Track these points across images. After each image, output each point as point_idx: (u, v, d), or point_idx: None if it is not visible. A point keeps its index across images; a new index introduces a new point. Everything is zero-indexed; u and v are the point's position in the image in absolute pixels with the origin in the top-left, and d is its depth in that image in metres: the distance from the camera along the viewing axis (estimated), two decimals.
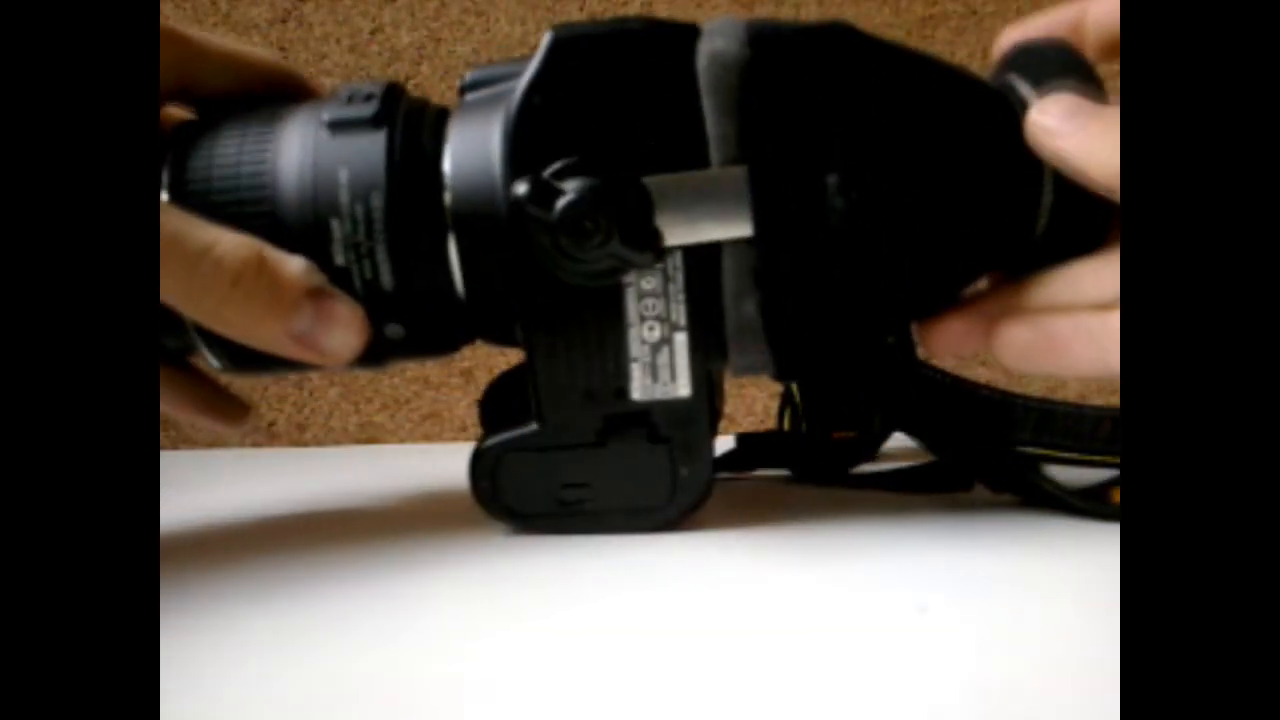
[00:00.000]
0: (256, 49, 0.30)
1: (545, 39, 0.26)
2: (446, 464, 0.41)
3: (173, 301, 0.24)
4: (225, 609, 0.23)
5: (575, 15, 0.56)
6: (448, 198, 0.27)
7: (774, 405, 0.37)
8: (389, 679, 0.18)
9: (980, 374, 0.52)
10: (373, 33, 0.55)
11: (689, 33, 0.26)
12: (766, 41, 0.25)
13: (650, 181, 0.25)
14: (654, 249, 0.25)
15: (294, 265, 0.25)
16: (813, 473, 0.36)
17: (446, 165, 0.27)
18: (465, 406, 0.55)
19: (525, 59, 0.26)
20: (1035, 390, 0.50)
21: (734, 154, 0.25)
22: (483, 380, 0.55)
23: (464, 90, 0.28)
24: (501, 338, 0.29)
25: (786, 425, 0.36)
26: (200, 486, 0.41)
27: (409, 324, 0.27)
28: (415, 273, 0.27)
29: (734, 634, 0.20)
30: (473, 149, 0.27)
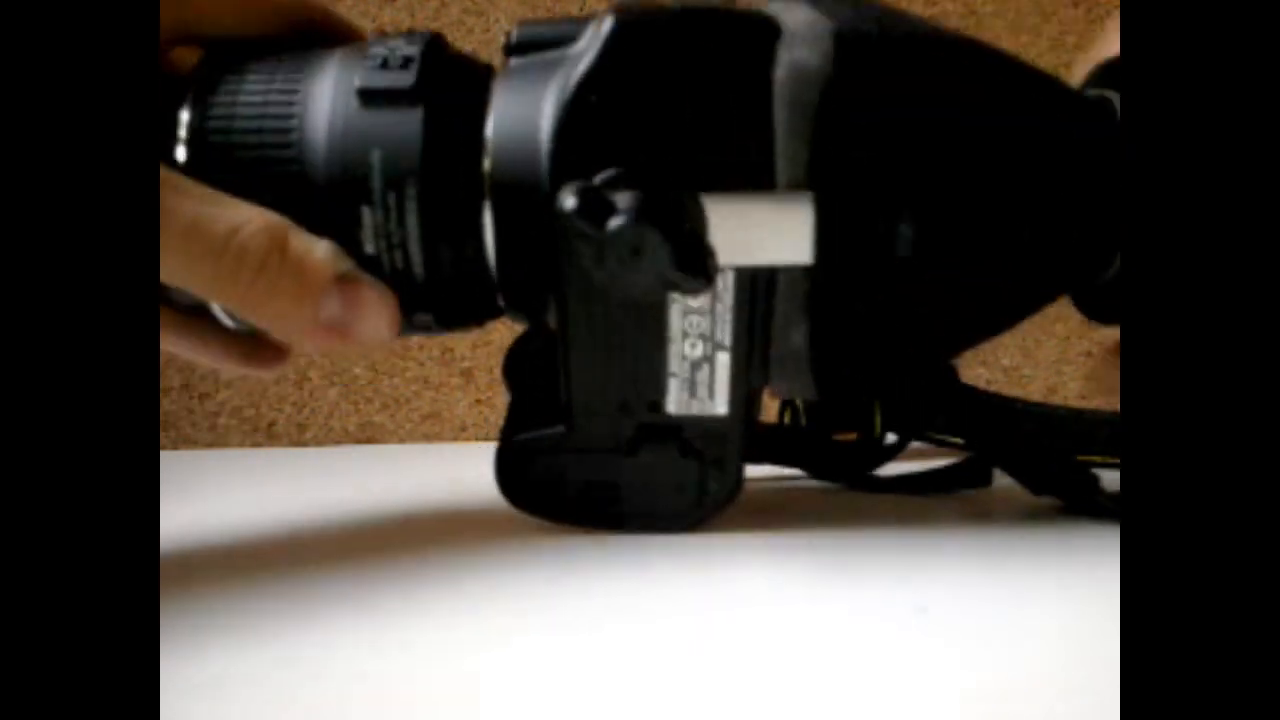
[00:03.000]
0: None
1: (606, 24, 0.24)
2: (447, 464, 0.41)
3: (196, 290, 0.23)
4: (226, 611, 0.23)
5: (575, 15, 0.56)
6: (486, 163, 0.25)
7: (774, 404, 0.37)
8: (397, 683, 0.18)
9: (979, 374, 0.52)
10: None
11: (768, 30, 0.24)
12: (852, 56, 0.24)
13: (709, 200, 0.24)
14: (707, 275, 0.23)
15: (320, 252, 0.24)
16: (824, 472, 0.36)
17: (489, 131, 0.25)
18: (465, 406, 0.55)
19: (577, 21, 0.25)
20: (1035, 391, 0.50)
21: (802, 178, 0.24)
22: (483, 381, 0.55)
23: (510, 51, 0.26)
24: (532, 315, 0.27)
25: (787, 421, 0.36)
26: (200, 487, 0.41)
27: (439, 311, 0.26)
28: (449, 262, 0.25)
29: (734, 634, 0.20)
30: (518, 123, 0.25)
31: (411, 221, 0.25)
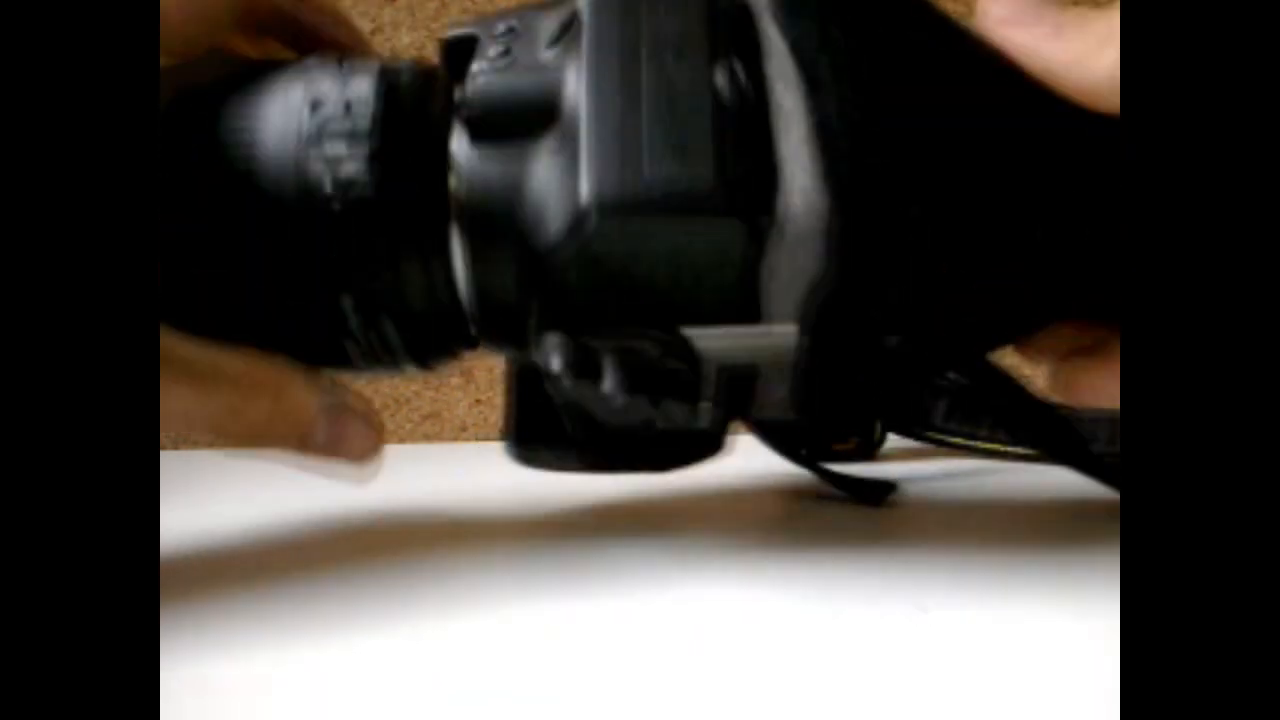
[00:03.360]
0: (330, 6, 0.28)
1: (584, 191, 0.22)
2: (447, 464, 0.41)
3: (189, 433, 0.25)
4: (226, 612, 0.23)
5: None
6: (463, 293, 0.24)
7: None
8: (396, 685, 0.18)
9: None
10: (373, 33, 0.55)
11: (756, 225, 0.22)
12: (852, 253, 0.22)
13: (694, 335, 0.23)
14: (695, 405, 0.23)
15: (311, 395, 0.25)
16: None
17: (457, 269, 0.24)
18: (465, 406, 0.55)
19: (546, 92, 0.23)
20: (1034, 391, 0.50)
21: (790, 326, 0.23)
22: (483, 380, 0.55)
23: (470, 128, 0.24)
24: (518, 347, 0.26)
25: None
26: (200, 487, 0.41)
27: (423, 367, 0.27)
28: (432, 353, 0.26)
29: (733, 636, 0.20)
30: (490, 270, 0.24)
31: (394, 342, 0.25)
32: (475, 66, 0.24)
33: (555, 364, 0.22)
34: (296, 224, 0.24)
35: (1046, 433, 0.30)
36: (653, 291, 0.23)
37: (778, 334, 0.23)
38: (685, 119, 0.22)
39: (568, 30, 0.24)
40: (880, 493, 0.32)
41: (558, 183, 0.23)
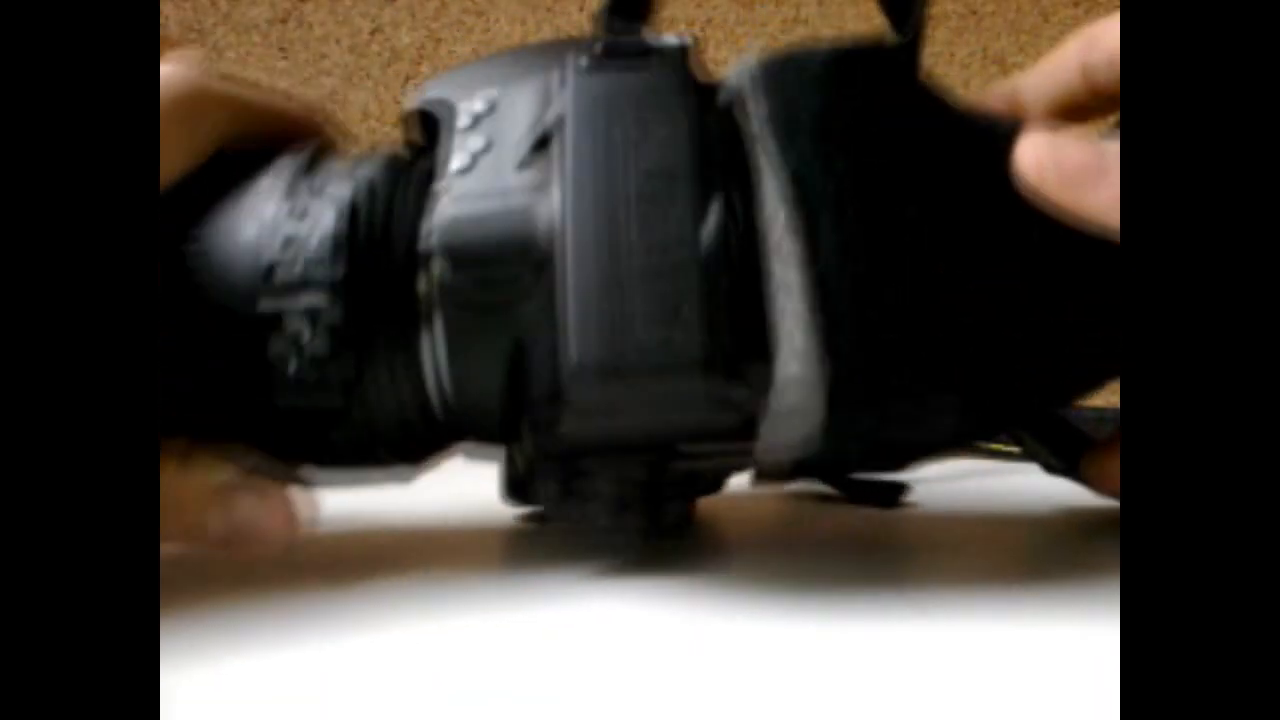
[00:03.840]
0: (295, 104, 0.27)
1: (570, 365, 0.21)
2: (446, 464, 0.41)
3: None
4: (226, 616, 0.23)
5: (575, 16, 0.56)
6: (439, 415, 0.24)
7: None
8: (394, 689, 0.18)
9: None
10: (373, 33, 0.55)
11: (748, 411, 0.22)
12: (845, 415, 0.21)
13: (689, 455, 0.23)
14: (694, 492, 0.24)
15: (195, 474, 0.23)
16: None
17: (441, 394, 0.23)
18: None
19: (522, 249, 0.22)
20: None
21: (789, 447, 0.22)
22: None
23: (448, 274, 0.22)
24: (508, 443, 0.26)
25: None
26: None
27: (415, 465, 0.26)
28: (424, 456, 0.26)
29: (731, 638, 0.20)
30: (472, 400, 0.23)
31: (385, 457, 0.25)
32: (450, 171, 0.23)
33: (548, 492, 0.23)
34: (264, 384, 0.23)
35: (1049, 440, 0.29)
36: (643, 434, 0.22)
37: (775, 450, 0.22)
38: (672, 278, 0.21)
39: (544, 146, 0.23)
40: (894, 495, 0.32)
41: (542, 333, 0.22)
